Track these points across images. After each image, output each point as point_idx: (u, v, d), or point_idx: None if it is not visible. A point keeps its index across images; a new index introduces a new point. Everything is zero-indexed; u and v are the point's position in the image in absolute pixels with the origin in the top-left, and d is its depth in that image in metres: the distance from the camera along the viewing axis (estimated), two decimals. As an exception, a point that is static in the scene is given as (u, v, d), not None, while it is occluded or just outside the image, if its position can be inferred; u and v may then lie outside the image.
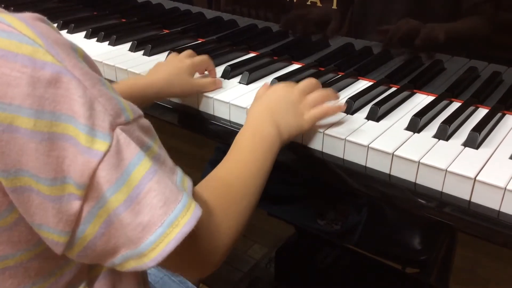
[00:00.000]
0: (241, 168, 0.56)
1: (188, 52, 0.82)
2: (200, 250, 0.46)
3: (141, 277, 0.54)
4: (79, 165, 0.38)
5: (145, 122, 0.45)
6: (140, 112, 0.44)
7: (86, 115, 0.38)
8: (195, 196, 0.46)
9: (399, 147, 0.62)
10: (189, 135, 0.85)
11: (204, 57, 0.81)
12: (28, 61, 0.37)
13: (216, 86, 0.80)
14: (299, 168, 0.69)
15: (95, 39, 1.05)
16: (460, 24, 0.78)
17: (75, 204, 0.39)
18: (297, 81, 0.79)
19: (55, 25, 1.12)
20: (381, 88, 0.80)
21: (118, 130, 0.40)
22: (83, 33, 1.09)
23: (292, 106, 0.64)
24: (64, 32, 1.11)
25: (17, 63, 0.37)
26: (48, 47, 0.38)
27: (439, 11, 0.80)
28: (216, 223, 0.48)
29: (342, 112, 0.70)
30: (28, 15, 0.41)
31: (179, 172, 0.46)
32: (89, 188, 0.39)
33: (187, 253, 0.44)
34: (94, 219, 0.40)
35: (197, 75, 0.82)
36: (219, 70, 0.87)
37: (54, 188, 0.39)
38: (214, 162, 0.63)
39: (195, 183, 0.57)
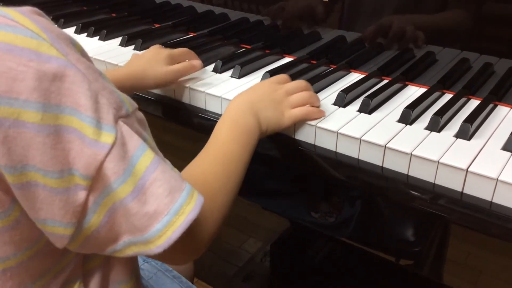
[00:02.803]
0: (223, 159, 0.56)
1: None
2: (193, 238, 0.47)
3: (132, 269, 0.54)
4: (85, 158, 0.39)
5: (140, 114, 0.46)
6: (136, 104, 0.45)
7: (93, 108, 0.39)
8: None
9: (391, 139, 0.62)
10: (183, 130, 0.84)
11: (183, 49, 0.80)
12: (34, 55, 0.37)
13: (194, 69, 0.78)
14: (291, 161, 0.69)
15: (85, 34, 1.04)
16: (451, 15, 0.78)
17: (82, 195, 0.40)
18: (290, 75, 0.79)
19: (44, 20, 1.12)
20: (373, 80, 0.79)
21: (120, 123, 0.41)
22: (73, 28, 1.08)
23: (274, 103, 0.64)
24: (53, 28, 1.09)
25: (23, 57, 0.37)
26: (52, 40, 0.39)
27: (430, 1, 0.80)
28: (204, 211, 0.48)
29: (322, 116, 0.68)
30: (27, 9, 0.41)
31: (168, 163, 0.46)
32: (95, 179, 0.40)
33: (182, 241, 0.44)
34: (99, 208, 0.41)
35: None
36: (211, 64, 0.86)
37: (61, 180, 0.39)
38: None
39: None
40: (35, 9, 0.42)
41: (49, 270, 0.46)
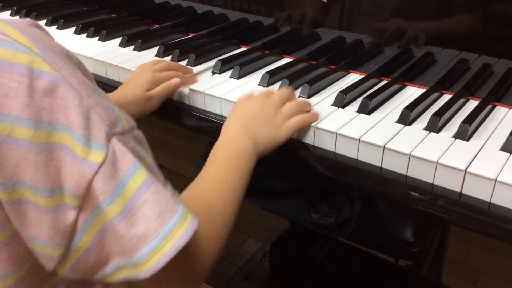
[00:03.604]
0: (219, 186, 0.55)
1: (155, 62, 0.79)
2: (189, 265, 0.46)
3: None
4: (75, 176, 0.38)
5: (139, 133, 0.45)
6: (134, 123, 0.44)
7: (83, 126, 0.38)
8: None
9: (390, 140, 0.62)
10: (183, 130, 0.84)
11: (169, 73, 0.78)
12: (26, 70, 0.37)
13: (176, 87, 0.76)
14: (290, 162, 0.69)
15: (85, 34, 1.04)
16: (451, 16, 0.78)
17: (71, 214, 0.39)
18: (288, 75, 0.79)
19: (44, 21, 1.12)
20: (372, 81, 0.80)
21: (114, 140, 0.40)
22: (73, 28, 1.08)
23: (268, 119, 0.64)
24: (53, 28, 1.10)
25: (14, 72, 0.36)
26: (45, 55, 0.38)
27: (430, 3, 0.80)
28: (201, 239, 0.47)
29: (316, 119, 0.67)
30: (21, 21, 0.41)
31: (169, 186, 0.45)
32: (85, 199, 0.39)
33: (177, 267, 0.43)
34: (89, 228, 0.40)
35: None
36: (210, 64, 0.86)
37: (51, 199, 0.38)
38: (206, 156, 0.62)
39: (190, 177, 0.57)
40: (32, 21, 0.41)
41: (45, 282, 0.46)
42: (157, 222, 0.40)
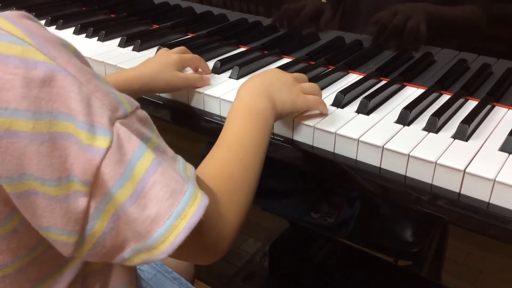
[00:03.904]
0: (240, 149, 0.53)
1: (180, 48, 0.81)
2: (209, 239, 0.46)
3: (132, 273, 0.54)
4: (82, 163, 0.38)
5: (143, 113, 0.44)
6: (137, 103, 0.44)
7: (85, 112, 0.38)
8: (199, 184, 0.45)
9: (389, 140, 0.62)
10: (182, 130, 0.84)
11: (195, 55, 0.80)
12: (20, 61, 0.36)
13: (204, 83, 0.78)
14: (289, 162, 0.69)
15: (84, 35, 1.04)
16: (450, 16, 0.78)
17: (82, 201, 0.39)
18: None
19: (43, 21, 1.12)
20: (371, 81, 0.80)
21: (117, 125, 0.39)
22: (72, 29, 1.08)
23: (287, 85, 0.63)
24: (52, 28, 1.10)
25: (9, 65, 0.36)
26: (39, 45, 0.38)
27: (429, 3, 0.80)
28: (221, 209, 0.47)
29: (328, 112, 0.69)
30: (13, 14, 0.40)
31: (180, 160, 0.45)
32: (94, 185, 0.39)
33: (196, 243, 0.43)
34: (102, 214, 0.40)
35: (190, 71, 0.82)
36: (209, 64, 0.86)
37: (59, 188, 0.38)
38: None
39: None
40: (24, 13, 0.41)
41: (49, 276, 0.46)
42: (169, 203, 0.40)
